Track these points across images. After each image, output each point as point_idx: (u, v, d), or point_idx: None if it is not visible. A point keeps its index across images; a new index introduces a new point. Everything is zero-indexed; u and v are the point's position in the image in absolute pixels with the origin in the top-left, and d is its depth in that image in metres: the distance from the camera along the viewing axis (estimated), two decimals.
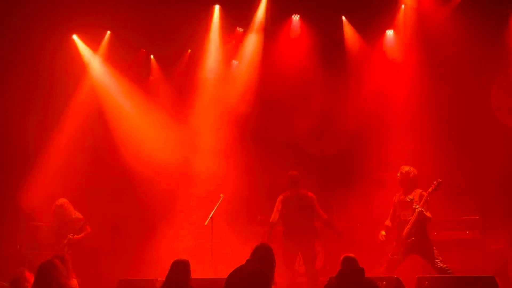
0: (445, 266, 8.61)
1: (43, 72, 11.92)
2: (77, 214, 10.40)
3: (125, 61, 12.69)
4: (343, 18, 12.23)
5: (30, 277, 7.88)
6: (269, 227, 9.84)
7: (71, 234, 10.08)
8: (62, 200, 10.38)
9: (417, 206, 8.76)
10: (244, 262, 6.49)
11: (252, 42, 12.52)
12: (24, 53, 11.82)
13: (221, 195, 10.07)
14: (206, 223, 9.74)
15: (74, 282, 7.86)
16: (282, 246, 9.73)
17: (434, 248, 8.82)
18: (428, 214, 8.81)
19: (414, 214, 8.80)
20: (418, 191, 9.08)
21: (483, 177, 10.81)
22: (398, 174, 9.23)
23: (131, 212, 11.92)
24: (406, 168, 9.20)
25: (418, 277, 7.67)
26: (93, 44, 12.51)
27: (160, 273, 8.06)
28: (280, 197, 9.96)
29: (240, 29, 12.68)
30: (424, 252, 8.84)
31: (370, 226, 10.75)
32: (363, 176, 11.28)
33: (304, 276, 10.32)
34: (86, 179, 11.98)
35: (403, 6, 11.85)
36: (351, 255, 6.82)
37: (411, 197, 8.99)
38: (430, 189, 8.81)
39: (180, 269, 6.56)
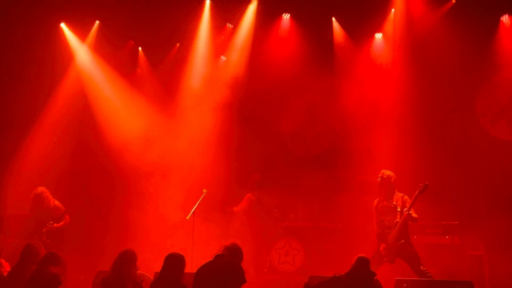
0: (425, 269, 8.65)
1: (29, 59, 11.79)
2: (56, 203, 10.28)
3: (113, 52, 12.58)
4: (333, 19, 12.23)
5: (6, 264, 7.84)
6: (233, 214, 10.67)
7: (51, 223, 10.00)
8: (41, 189, 10.26)
9: (405, 210, 8.78)
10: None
11: (241, 38, 12.49)
12: (11, 39, 11.70)
13: (204, 190, 10.09)
14: (188, 218, 9.75)
15: None
16: (254, 245, 9.99)
17: (417, 251, 8.87)
18: (415, 215, 8.85)
19: (402, 217, 8.81)
20: (400, 195, 9.11)
21: (464, 183, 10.85)
22: (379, 179, 9.24)
23: (111, 202, 11.84)
24: (387, 173, 9.22)
25: (396, 279, 7.69)
26: (81, 33, 12.42)
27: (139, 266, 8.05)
28: (252, 197, 10.47)
29: (230, 25, 12.66)
30: (408, 255, 8.85)
31: (351, 227, 10.80)
32: (346, 177, 11.30)
33: (282, 274, 10.47)
34: (68, 169, 11.85)
35: (393, 10, 11.88)
36: (366, 256, 6.86)
37: (394, 202, 9.02)
38: (417, 191, 8.81)
39: (172, 264, 6.49)
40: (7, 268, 7.82)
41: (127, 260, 6.67)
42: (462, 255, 10.12)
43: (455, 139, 11.19)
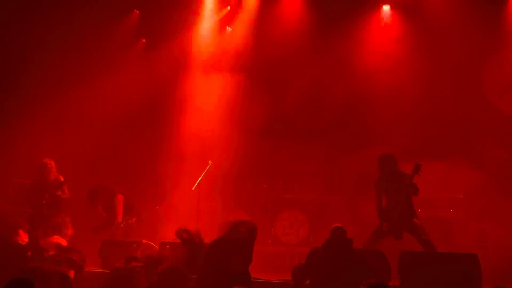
0: (430, 239, 8.62)
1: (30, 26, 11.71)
2: (58, 176, 10.31)
3: (118, 21, 12.48)
4: None
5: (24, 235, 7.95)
6: None
7: (51, 192, 10.05)
8: (48, 159, 10.29)
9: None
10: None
11: (247, 8, 12.37)
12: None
13: (210, 161, 10.11)
14: (193, 188, 9.78)
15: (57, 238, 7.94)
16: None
17: (420, 222, 8.84)
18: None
19: (403, 194, 8.77)
20: (402, 172, 9.04)
21: (470, 157, 10.84)
22: (379, 157, 9.16)
23: (118, 172, 11.84)
24: (385, 151, 9.15)
25: (402, 251, 7.71)
26: None
27: (145, 235, 8.10)
28: None
29: None
30: (413, 226, 8.82)
31: (355, 199, 10.84)
32: (350, 149, 11.30)
33: (286, 245, 10.62)
34: (72, 141, 11.78)
35: None
36: (340, 225, 6.84)
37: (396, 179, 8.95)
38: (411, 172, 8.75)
39: None
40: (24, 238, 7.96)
41: None
42: (466, 228, 10.15)
43: (462, 113, 11.15)
